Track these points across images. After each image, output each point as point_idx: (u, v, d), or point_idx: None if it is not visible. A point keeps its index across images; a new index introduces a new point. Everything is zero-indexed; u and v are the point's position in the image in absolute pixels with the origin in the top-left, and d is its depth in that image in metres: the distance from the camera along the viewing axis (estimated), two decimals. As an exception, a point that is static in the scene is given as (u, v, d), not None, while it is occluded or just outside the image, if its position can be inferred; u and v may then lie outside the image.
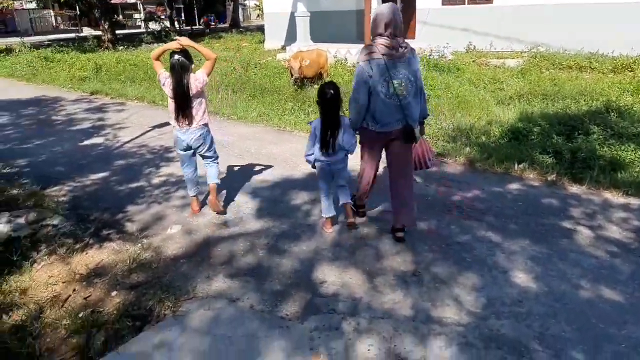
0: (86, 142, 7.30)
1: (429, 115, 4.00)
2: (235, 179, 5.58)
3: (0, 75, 14.94)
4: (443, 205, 4.78)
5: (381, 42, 3.58)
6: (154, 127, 8.05)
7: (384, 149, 4.00)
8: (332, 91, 3.84)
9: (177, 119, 4.25)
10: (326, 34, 16.25)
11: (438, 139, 6.95)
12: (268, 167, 5.95)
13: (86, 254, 3.99)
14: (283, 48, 17.79)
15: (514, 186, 5.24)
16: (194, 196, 4.70)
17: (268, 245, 4.08)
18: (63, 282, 3.60)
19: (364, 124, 3.79)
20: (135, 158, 6.46)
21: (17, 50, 18.70)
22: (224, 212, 4.67)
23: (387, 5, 3.64)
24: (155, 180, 5.61)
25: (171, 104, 4.25)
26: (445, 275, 3.57)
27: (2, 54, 18.56)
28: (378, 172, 4.26)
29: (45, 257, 3.91)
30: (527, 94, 8.79)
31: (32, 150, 6.95)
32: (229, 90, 10.59)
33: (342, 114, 3.98)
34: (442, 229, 4.27)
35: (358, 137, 4.04)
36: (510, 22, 13.13)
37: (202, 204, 4.86)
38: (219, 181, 4.63)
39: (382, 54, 3.56)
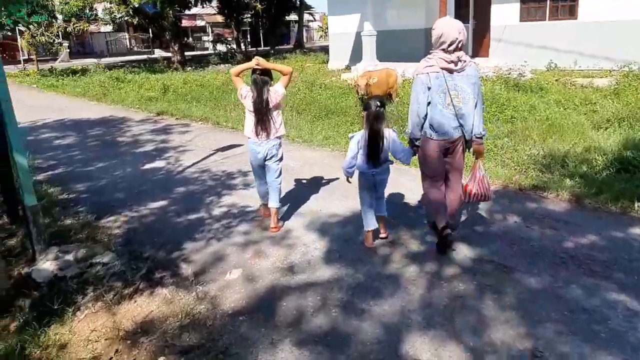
0: (148, 166, 6.94)
1: (484, 134, 3.87)
2: (302, 212, 4.94)
3: (74, 94, 15.28)
4: (553, 254, 3.89)
5: (441, 56, 3.67)
6: (217, 150, 7.61)
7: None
8: (378, 104, 3.91)
9: (256, 131, 4.37)
10: (393, 53, 15.54)
11: (528, 168, 6.03)
12: (337, 197, 5.28)
13: (135, 302, 3.43)
14: (347, 68, 17.26)
15: (638, 231, 4.26)
16: (264, 204, 4.77)
17: (342, 301, 3.36)
18: (106, 339, 3.04)
19: (423, 134, 3.84)
20: (196, 185, 5.98)
21: (91, 71, 19.32)
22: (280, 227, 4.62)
23: (453, 22, 3.74)
24: (216, 212, 5.06)
25: (249, 117, 4.39)
26: (577, 358, 2.71)
27: (77, 75, 19.19)
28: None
29: (90, 304, 3.40)
30: (628, 117, 7.66)
31: (93, 174, 6.65)
32: (293, 111, 10.10)
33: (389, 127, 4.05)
34: (560, 289, 3.39)
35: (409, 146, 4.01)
36: (597, 39, 11.89)
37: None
38: (279, 205, 4.66)
39: (441, 67, 3.66)
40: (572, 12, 12.41)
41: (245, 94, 4.36)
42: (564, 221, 4.50)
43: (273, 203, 4.57)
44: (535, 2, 13.04)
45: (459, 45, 3.66)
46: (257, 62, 4.34)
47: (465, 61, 3.71)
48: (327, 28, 46.78)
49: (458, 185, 4.03)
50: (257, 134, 4.37)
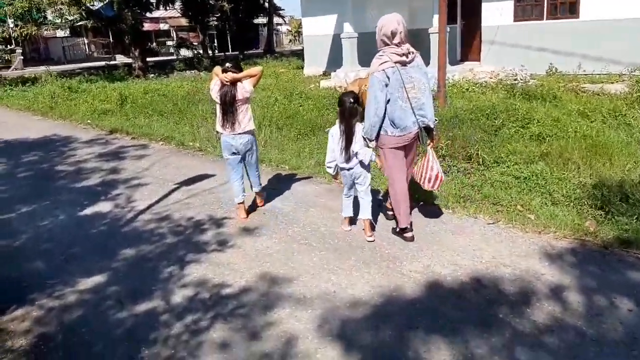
0: (87, 211, 5.11)
1: (437, 120, 3.98)
2: (309, 297, 3.26)
3: (19, 107, 13.12)
4: None
5: (392, 51, 3.65)
6: (181, 183, 5.83)
7: None
8: (351, 100, 3.92)
9: (222, 123, 4.39)
10: (372, 56, 13.96)
11: (582, 204, 4.55)
12: (354, 267, 3.63)
13: None
14: (325, 74, 15.66)
15: None
16: (240, 203, 4.65)
17: None
18: None
19: (382, 132, 3.79)
20: (150, 243, 4.22)
21: (42, 80, 17.05)
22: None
23: (392, 15, 3.73)
24: (178, 297, 3.33)
25: (218, 110, 4.41)
26: None
27: (27, 84, 16.91)
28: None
29: None
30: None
31: (10, 225, 4.81)
32: (272, 126, 8.40)
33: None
34: None
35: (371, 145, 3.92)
36: (602, 40, 10.61)
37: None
38: (260, 188, 4.86)
39: (395, 62, 3.63)
40: (572, 10, 11.10)
41: (213, 86, 4.42)
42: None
43: (256, 188, 4.82)
44: (530, 0, 11.70)
45: (402, 36, 3.65)
46: (228, 78, 4.27)
47: (413, 52, 3.74)
48: (296, 32, 45.26)
49: (409, 173, 4.09)
50: (223, 127, 4.40)
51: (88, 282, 3.59)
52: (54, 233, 4.57)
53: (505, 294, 3.19)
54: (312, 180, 5.78)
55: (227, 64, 4.32)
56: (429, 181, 3.94)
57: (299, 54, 27.12)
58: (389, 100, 3.66)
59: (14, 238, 4.49)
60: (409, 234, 4.00)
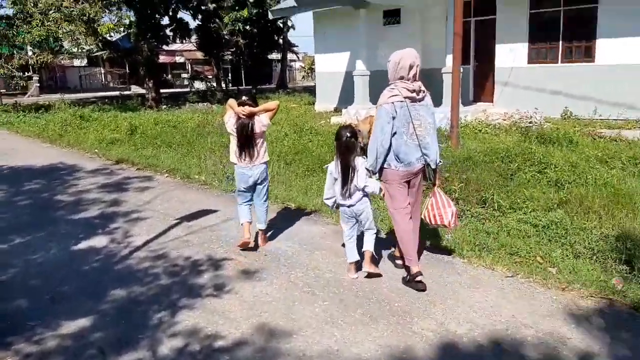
0: (82, 245, 4.86)
1: (441, 162, 3.98)
2: (309, 356, 2.94)
3: (29, 134, 13.13)
4: None
5: (403, 85, 3.62)
6: (182, 219, 5.60)
7: None
8: (349, 134, 3.83)
9: (240, 156, 4.40)
10: (386, 96, 13.87)
11: (605, 257, 4.22)
12: (360, 320, 3.32)
13: None
14: (336, 110, 15.59)
15: None
16: (247, 222, 4.57)
17: None
18: None
19: (385, 165, 3.74)
20: (143, 284, 3.94)
21: (56, 107, 17.17)
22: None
23: (409, 49, 3.69)
24: (165, 348, 3.02)
25: (233, 142, 4.44)
26: None
27: (40, 111, 17.04)
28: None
29: None
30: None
31: (3, 257, 4.56)
32: (281, 161, 8.20)
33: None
34: None
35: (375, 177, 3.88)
36: (619, 85, 10.40)
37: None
38: (266, 225, 4.74)
39: (405, 97, 3.61)
40: (588, 54, 10.95)
41: (228, 119, 4.44)
42: None
43: (261, 225, 4.70)
44: (545, 43, 11.58)
45: (417, 71, 3.65)
46: (246, 112, 4.28)
47: (424, 91, 3.72)
48: (309, 68, 45.86)
49: (418, 213, 3.99)
50: (240, 159, 4.41)
51: (72, 326, 3.31)
52: (44, 268, 4.32)
53: (528, 361, 2.86)
54: (318, 221, 5.51)
55: (244, 97, 4.39)
56: (452, 216, 3.90)
57: (311, 90, 27.32)
58: (394, 134, 3.64)
59: (2, 270, 4.24)
60: (420, 279, 3.76)
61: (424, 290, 3.72)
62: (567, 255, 4.40)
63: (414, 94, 3.64)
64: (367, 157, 3.81)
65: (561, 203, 5.72)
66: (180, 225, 5.39)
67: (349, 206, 3.92)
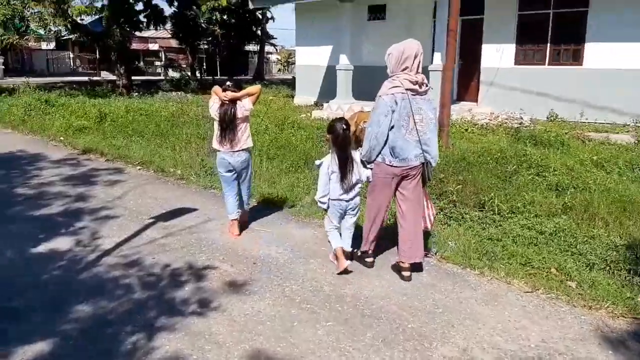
0: (42, 248, 4.19)
1: (438, 160, 3.78)
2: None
3: (-11, 119, 12.10)
4: None
5: (405, 77, 3.43)
6: (157, 218, 4.98)
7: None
8: (344, 126, 3.67)
9: (221, 141, 4.30)
10: (368, 91, 13.39)
11: (619, 268, 3.88)
12: (369, 346, 2.82)
13: None
14: (316, 104, 15.05)
15: None
16: (235, 219, 4.50)
17: None
18: None
19: (379, 158, 3.55)
20: (113, 299, 3.33)
21: (20, 91, 16.01)
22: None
23: (413, 41, 3.52)
24: (141, 384, 2.47)
25: (216, 127, 4.34)
26: None
27: (3, 95, 15.85)
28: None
29: None
30: None
31: (-57, 261, 3.87)
32: (262, 156, 7.63)
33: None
34: None
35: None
36: (606, 89, 10.20)
37: None
38: (249, 205, 4.78)
39: (407, 89, 3.41)
40: (576, 58, 10.72)
41: (212, 103, 4.36)
42: None
43: (245, 206, 4.67)
44: (533, 44, 11.30)
45: (420, 62, 3.47)
46: (228, 96, 4.22)
47: (427, 84, 3.53)
48: (286, 61, 45.08)
49: (418, 215, 3.73)
50: (221, 144, 4.31)
51: (24, 354, 2.70)
52: (-6, 275, 3.66)
53: (573, 401, 2.42)
54: (309, 223, 4.99)
55: (228, 83, 4.30)
56: (428, 219, 3.84)
57: (288, 83, 26.66)
58: (392, 127, 3.45)
59: (-59, 280, 3.57)
60: (370, 259, 3.90)
61: (371, 267, 3.86)
62: (581, 267, 4.03)
63: (417, 87, 3.42)
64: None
65: (565, 209, 5.38)
66: (155, 225, 4.78)
67: (347, 200, 3.77)
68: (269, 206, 5.49)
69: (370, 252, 3.91)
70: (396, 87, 3.43)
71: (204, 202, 5.58)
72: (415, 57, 3.45)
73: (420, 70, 3.50)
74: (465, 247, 4.36)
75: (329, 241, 3.92)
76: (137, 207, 5.36)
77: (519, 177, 6.32)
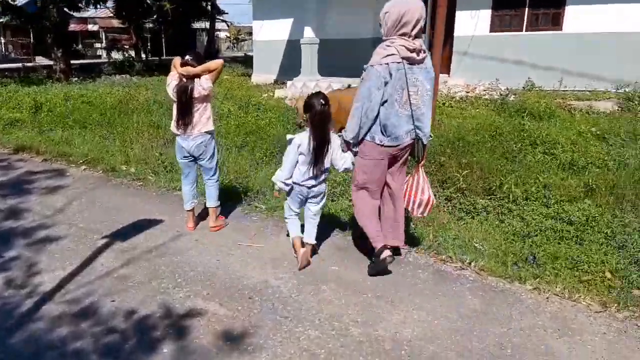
0: (-46, 293, 3.06)
1: (431, 137, 3.22)
2: None
3: None
4: None
5: (402, 43, 2.91)
6: (112, 237, 3.88)
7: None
8: (322, 102, 3.17)
9: (177, 123, 3.82)
10: (334, 66, 12.36)
11: None
12: None
13: None
14: (277, 82, 13.93)
15: None
16: (190, 210, 4.07)
17: None
18: None
19: (368, 138, 3.09)
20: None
21: (-61, 82, 13.97)
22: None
23: (418, 1, 2.94)
24: None
25: (174, 107, 3.85)
26: None
27: None
28: None
29: None
30: None
31: None
32: (230, 144, 6.59)
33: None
34: None
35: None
36: (586, 55, 9.69)
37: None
38: (218, 203, 4.10)
39: (403, 57, 2.91)
40: (555, 22, 10.10)
41: (170, 80, 3.81)
42: None
43: (212, 202, 4.06)
44: (510, 9, 10.59)
45: (421, 27, 2.96)
46: (187, 72, 3.66)
47: (425, 51, 3.01)
48: (235, 38, 43.04)
49: (401, 195, 3.32)
50: (178, 127, 3.80)
51: None
52: None
53: None
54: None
55: (188, 56, 3.73)
56: (419, 206, 3.28)
57: (240, 61, 25.19)
58: (384, 102, 2.99)
59: None
60: (384, 256, 3.13)
61: (390, 262, 3.16)
62: (628, 265, 3.35)
63: (414, 54, 2.94)
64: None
65: (587, 192, 4.70)
66: (111, 247, 3.69)
67: (310, 187, 3.32)
68: (250, 209, 4.50)
69: (387, 245, 3.25)
70: (391, 54, 2.93)
71: (169, 209, 4.53)
72: (417, 22, 2.93)
73: (420, 34, 2.98)
74: (497, 250, 3.60)
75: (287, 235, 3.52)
76: (85, 222, 4.22)
77: (526, 156, 5.61)
